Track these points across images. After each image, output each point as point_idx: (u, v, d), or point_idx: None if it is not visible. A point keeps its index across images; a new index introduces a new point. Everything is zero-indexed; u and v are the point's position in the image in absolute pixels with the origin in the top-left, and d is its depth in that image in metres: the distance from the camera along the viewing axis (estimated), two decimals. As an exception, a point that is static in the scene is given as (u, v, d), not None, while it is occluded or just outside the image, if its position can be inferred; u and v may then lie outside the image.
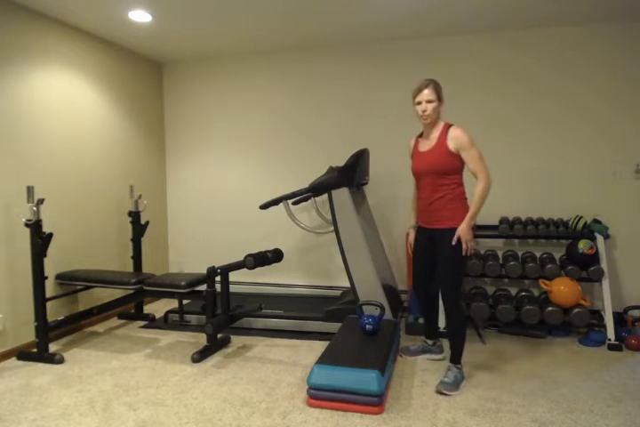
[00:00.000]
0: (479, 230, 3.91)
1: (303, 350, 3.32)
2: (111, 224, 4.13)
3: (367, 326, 3.00)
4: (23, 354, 3.14)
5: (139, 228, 4.12)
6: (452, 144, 2.62)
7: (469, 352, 3.25)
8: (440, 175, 2.66)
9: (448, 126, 2.66)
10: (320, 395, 2.47)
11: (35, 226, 3.05)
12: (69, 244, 3.69)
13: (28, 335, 3.27)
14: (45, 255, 3.10)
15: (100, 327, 3.85)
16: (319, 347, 3.38)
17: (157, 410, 2.45)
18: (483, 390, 2.66)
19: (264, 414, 2.40)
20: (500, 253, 3.94)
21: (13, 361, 3.12)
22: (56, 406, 2.50)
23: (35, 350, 3.12)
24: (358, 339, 2.97)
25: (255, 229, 4.69)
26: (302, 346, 3.41)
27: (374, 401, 2.39)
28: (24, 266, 3.25)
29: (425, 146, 2.75)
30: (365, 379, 2.40)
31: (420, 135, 2.85)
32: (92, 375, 2.89)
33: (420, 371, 2.94)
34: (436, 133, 2.69)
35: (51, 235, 3.11)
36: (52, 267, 3.46)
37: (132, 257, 4.11)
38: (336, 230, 3.47)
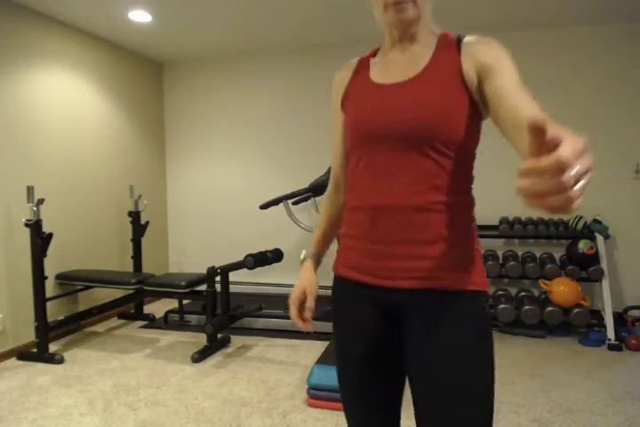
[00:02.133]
0: (478, 230, 3.91)
1: (303, 350, 3.32)
2: (111, 224, 4.13)
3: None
4: (23, 354, 3.14)
5: (139, 228, 4.12)
6: (471, 61, 1.01)
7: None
8: (433, 143, 0.99)
9: (455, 35, 1.09)
10: (320, 395, 2.47)
11: (35, 226, 3.05)
12: (69, 244, 3.69)
13: (28, 335, 3.26)
14: (45, 255, 3.10)
15: (99, 327, 3.85)
16: (319, 347, 3.38)
17: (157, 410, 2.45)
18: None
19: (264, 414, 2.40)
20: (499, 253, 3.94)
21: (13, 361, 3.12)
22: (56, 406, 2.50)
23: (35, 350, 3.12)
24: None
25: (255, 229, 4.68)
26: (302, 346, 3.41)
27: (374, 401, 2.39)
28: (24, 266, 3.25)
29: (395, 71, 1.08)
30: (365, 379, 2.40)
31: (374, 54, 1.18)
32: (92, 375, 2.89)
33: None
34: (425, 47, 1.08)
35: (51, 235, 3.11)
36: (52, 267, 3.46)
37: (132, 257, 4.11)
38: (336, 230, 3.47)
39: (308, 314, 1.18)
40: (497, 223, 3.94)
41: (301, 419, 2.35)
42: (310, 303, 1.19)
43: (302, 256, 1.29)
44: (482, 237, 3.84)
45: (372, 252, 1.05)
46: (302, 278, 1.25)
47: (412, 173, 1.00)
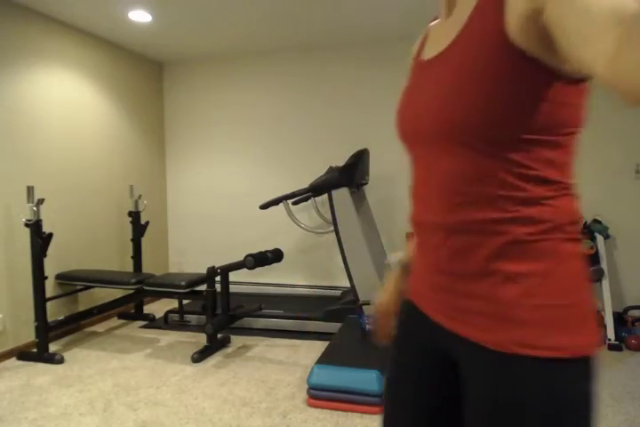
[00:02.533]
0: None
1: (303, 350, 3.32)
2: (111, 224, 4.13)
3: (367, 326, 3.00)
4: (23, 354, 3.14)
5: (139, 228, 4.12)
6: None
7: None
8: (469, 139, 0.69)
9: None
10: (320, 395, 2.47)
11: (34, 226, 3.05)
12: (69, 244, 3.69)
13: (28, 335, 3.26)
14: (45, 255, 3.10)
15: (99, 327, 3.85)
16: (319, 347, 3.38)
17: (157, 410, 2.45)
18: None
19: (264, 414, 2.40)
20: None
21: (13, 361, 3.11)
22: (56, 405, 2.50)
23: (35, 350, 3.12)
24: (358, 339, 2.97)
25: (255, 228, 4.69)
26: (302, 346, 3.41)
27: (374, 401, 2.40)
28: (24, 266, 3.25)
29: (443, 38, 0.78)
30: (366, 379, 2.41)
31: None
32: (91, 375, 2.89)
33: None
34: None
35: (51, 235, 3.11)
36: (52, 267, 3.46)
37: (132, 257, 4.10)
38: (336, 230, 3.47)
39: (385, 331, 1.05)
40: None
41: (301, 419, 2.35)
42: (383, 321, 1.04)
43: (390, 260, 1.12)
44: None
45: (421, 276, 0.85)
46: (382, 292, 1.06)
47: (445, 181, 0.74)
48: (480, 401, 0.72)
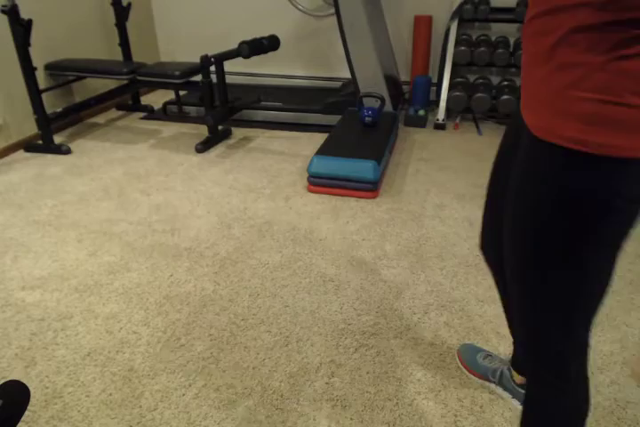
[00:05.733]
0: (492, 13, 3.56)
1: (303, 142, 3.39)
2: (91, 8, 3.74)
3: (366, 119, 3.01)
4: (29, 146, 3.21)
5: (121, 11, 3.75)
6: None
7: (465, 142, 3.33)
8: None
9: None
10: (319, 182, 2.62)
11: (12, 12, 2.77)
12: (52, 32, 3.40)
13: (31, 128, 3.27)
14: (30, 44, 2.91)
15: (100, 119, 3.86)
16: (319, 139, 3.44)
17: (169, 195, 2.63)
18: (472, 178, 2.81)
19: (268, 199, 2.59)
20: (512, 40, 3.68)
21: (21, 153, 3.20)
22: (72, 192, 2.67)
23: (40, 142, 3.18)
24: (357, 131, 3.01)
25: (249, 12, 4.28)
26: (302, 138, 3.47)
27: (370, 187, 2.56)
28: (10, 57, 3.05)
29: None
30: (362, 168, 2.52)
31: None
32: (101, 165, 3.02)
33: (416, 160, 3.05)
34: None
35: (30, 21, 2.86)
36: (39, 58, 3.25)
37: (120, 44, 3.85)
38: (337, 13, 3.17)
39: None
40: (514, 5, 3.57)
41: (303, 203, 2.55)
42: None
43: None
44: (494, 21, 3.54)
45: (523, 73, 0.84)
46: None
47: None
48: (515, 179, 0.84)
